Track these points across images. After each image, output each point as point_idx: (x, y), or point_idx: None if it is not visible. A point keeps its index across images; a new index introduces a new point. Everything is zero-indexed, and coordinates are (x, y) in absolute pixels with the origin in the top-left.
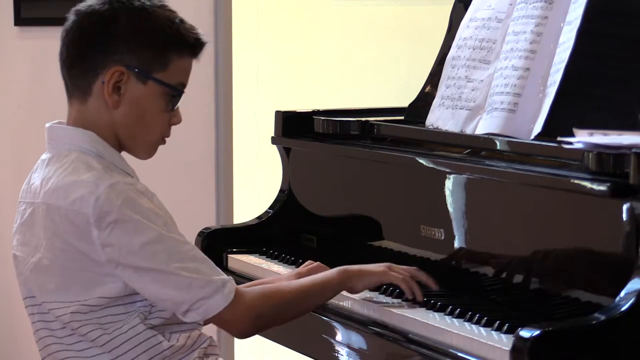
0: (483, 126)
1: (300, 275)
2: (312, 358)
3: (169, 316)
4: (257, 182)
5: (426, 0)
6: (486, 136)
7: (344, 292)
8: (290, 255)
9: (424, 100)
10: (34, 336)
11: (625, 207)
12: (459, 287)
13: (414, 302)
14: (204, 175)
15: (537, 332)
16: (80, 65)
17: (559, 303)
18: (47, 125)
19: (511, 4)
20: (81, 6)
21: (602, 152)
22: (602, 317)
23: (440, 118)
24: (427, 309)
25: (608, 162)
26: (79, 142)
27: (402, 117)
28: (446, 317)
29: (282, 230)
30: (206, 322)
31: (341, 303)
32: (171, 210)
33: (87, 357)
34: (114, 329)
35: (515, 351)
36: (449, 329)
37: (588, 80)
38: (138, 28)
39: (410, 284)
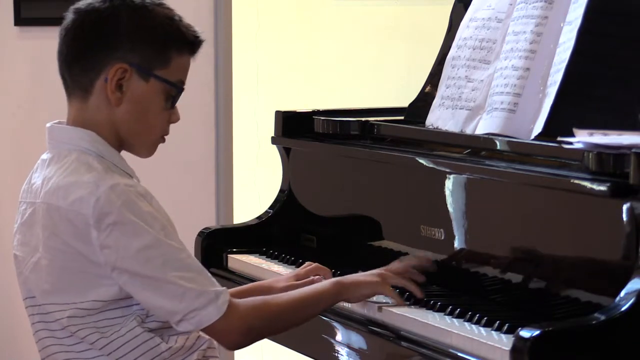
0: (483, 126)
1: (298, 277)
2: (312, 358)
3: (165, 320)
4: (257, 182)
5: (426, 0)
6: (486, 136)
7: None
8: (290, 255)
9: (424, 100)
10: (34, 337)
11: (625, 207)
12: (459, 287)
13: (413, 302)
14: (204, 175)
15: (537, 332)
16: (81, 63)
17: (559, 303)
18: (48, 125)
19: (511, 4)
20: (80, 4)
21: (602, 152)
22: (602, 317)
23: (440, 118)
24: (427, 309)
25: (608, 162)
26: (79, 142)
27: (402, 117)
28: (446, 317)
29: (282, 230)
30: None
31: (341, 303)
32: (171, 211)
33: (87, 359)
34: (111, 332)
35: (515, 351)
36: (449, 329)
37: (588, 80)
38: (140, 25)
39: (408, 287)
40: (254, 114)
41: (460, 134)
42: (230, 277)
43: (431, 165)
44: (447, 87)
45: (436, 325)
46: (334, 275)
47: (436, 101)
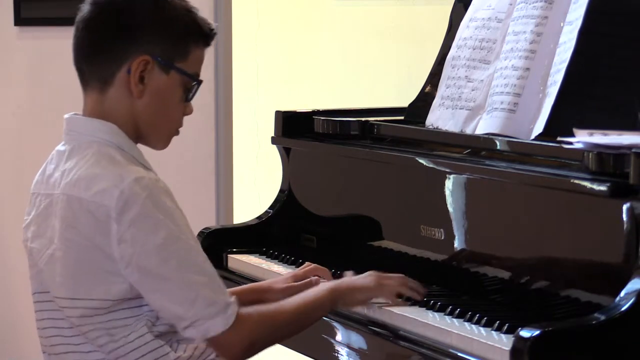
0: (483, 126)
1: (296, 277)
2: (312, 358)
3: (172, 324)
4: (257, 182)
5: (426, 0)
6: (486, 136)
7: None
8: (290, 255)
9: (424, 100)
10: (40, 333)
11: (625, 207)
12: (459, 287)
13: (413, 302)
14: (204, 175)
15: (537, 332)
16: (103, 55)
17: (559, 303)
18: (66, 116)
19: (511, 4)
20: None
21: (602, 152)
22: (602, 317)
23: (440, 118)
24: (427, 308)
25: (608, 162)
26: (99, 134)
27: (402, 117)
28: (446, 317)
29: (282, 230)
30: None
31: None
32: None
33: None
34: (120, 336)
35: (515, 351)
36: (449, 329)
37: (588, 80)
38: (161, 17)
39: (404, 291)
40: (254, 114)
41: (460, 134)
42: (230, 277)
43: (431, 165)
44: (447, 87)
45: (436, 325)
46: (334, 275)
47: (436, 101)
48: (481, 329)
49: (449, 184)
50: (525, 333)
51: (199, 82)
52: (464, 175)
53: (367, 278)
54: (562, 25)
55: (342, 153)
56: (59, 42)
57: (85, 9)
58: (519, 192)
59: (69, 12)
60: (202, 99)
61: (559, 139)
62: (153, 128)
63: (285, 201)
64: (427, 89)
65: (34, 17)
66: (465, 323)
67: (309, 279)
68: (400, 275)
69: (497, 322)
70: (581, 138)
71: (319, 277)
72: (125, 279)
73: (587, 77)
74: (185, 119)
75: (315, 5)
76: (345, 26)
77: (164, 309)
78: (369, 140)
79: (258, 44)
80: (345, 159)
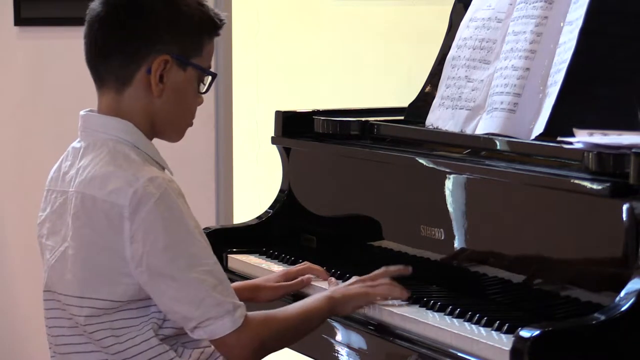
0: (483, 126)
1: (289, 274)
2: (312, 358)
3: (180, 326)
4: (257, 182)
5: (426, 0)
6: (486, 136)
7: None
8: (290, 255)
9: (424, 100)
10: (47, 331)
11: (625, 207)
12: (459, 287)
13: (413, 302)
14: (204, 175)
15: (537, 332)
16: (121, 55)
17: (559, 303)
18: (82, 113)
19: (511, 4)
20: None
21: (602, 152)
22: (602, 317)
23: (440, 118)
24: (427, 308)
25: (608, 162)
26: (115, 132)
27: (402, 117)
28: (446, 317)
29: (282, 230)
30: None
31: None
32: None
33: None
34: (126, 338)
35: (515, 351)
36: (449, 329)
37: (588, 80)
38: (177, 15)
39: (394, 294)
40: (254, 114)
41: (460, 134)
42: (230, 277)
43: (431, 165)
44: (447, 87)
45: (436, 325)
46: (333, 275)
47: (436, 101)
48: (481, 329)
49: (449, 184)
50: (525, 333)
51: (214, 76)
52: (464, 175)
53: (355, 286)
54: (562, 25)
55: (342, 153)
56: (59, 42)
57: (98, 8)
58: (519, 192)
59: (69, 12)
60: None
61: (559, 139)
62: (169, 123)
63: (285, 201)
64: (427, 89)
65: (34, 17)
66: (465, 323)
67: (300, 279)
68: (385, 281)
69: (497, 322)
70: (581, 138)
71: (311, 276)
72: (134, 279)
73: (587, 77)
74: None
75: (315, 5)
76: (345, 26)
77: (172, 310)
78: (369, 140)
79: (258, 44)
80: (345, 159)
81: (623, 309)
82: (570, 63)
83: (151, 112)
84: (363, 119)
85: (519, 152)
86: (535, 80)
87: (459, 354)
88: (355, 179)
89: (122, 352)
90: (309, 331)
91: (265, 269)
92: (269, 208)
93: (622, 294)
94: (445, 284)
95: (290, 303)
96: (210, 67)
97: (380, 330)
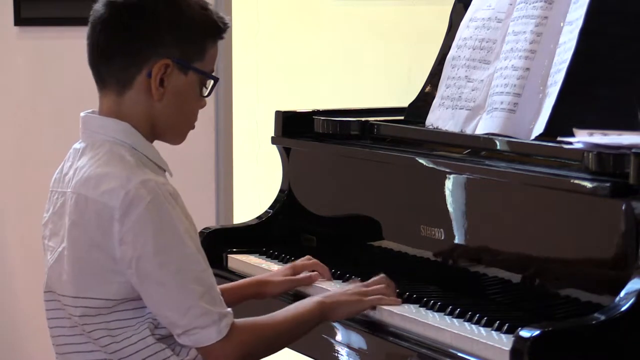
0: (483, 126)
1: (295, 268)
2: (312, 358)
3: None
4: (257, 182)
5: (426, 0)
6: (486, 136)
7: None
8: (290, 255)
9: (424, 100)
10: (50, 332)
11: (625, 207)
12: (459, 287)
13: (413, 302)
14: (204, 175)
15: (537, 332)
16: (123, 57)
17: (559, 303)
18: (82, 114)
19: (511, 4)
20: None
21: (602, 152)
22: (602, 317)
23: (440, 118)
24: (427, 308)
25: (608, 162)
26: (113, 133)
27: (402, 117)
28: (446, 317)
29: (282, 230)
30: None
31: None
32: None
33: None
34: (122, 337)
35: (515, 351)
36: (449, 329)
37: (588, 80)
38: (179, 19)
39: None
40: (254, 114)
41: (460, 134)
42: (230, 277)
43: (431, 165)
44: (447, 87)
45: (436, 325)
46: (333, 275)
47: (436, 101)
48: (481, 329)
49: (449, 184)
50: (525, 333)
51: (216, 80)
52: (464, 175)
53: (348, 293)
54: (562, 25)
55: (342, 153)
56: (59, 42)
57: (102, 10)
58: (519, 192)
59: (69, 12)
60: None
61: (559, 139)
62: (170, 127)
63: (285, 201)
64: (427, 89)
65: (34, 17)
66: (465, 323)
67: (308, 275)
68: (381, 286)
69: (497, 322)
70: (581, 138)
71: (317, 272)
72: (126, 277)
73: (587, 77)
74: None
75: (315, 5)
76: (345, 26)
77: (159, 314)
78: (369, 140)
79: (258, 44)
80: (345, 159)
81: (623, 309)
82: (570, 63)
83: (152, 115)
84: (363, 119)
85: (519, 152)
86: (535, 80)
87: (459, 354)
88: (355, 179)
89: (119, 351)
90: (299, 336)
91: (265, 269)
92: (269, 208)
93: (622, 294)
94: (445, 284)
95: (291, 302)
96: (213, 71)
97: (380, 330)
